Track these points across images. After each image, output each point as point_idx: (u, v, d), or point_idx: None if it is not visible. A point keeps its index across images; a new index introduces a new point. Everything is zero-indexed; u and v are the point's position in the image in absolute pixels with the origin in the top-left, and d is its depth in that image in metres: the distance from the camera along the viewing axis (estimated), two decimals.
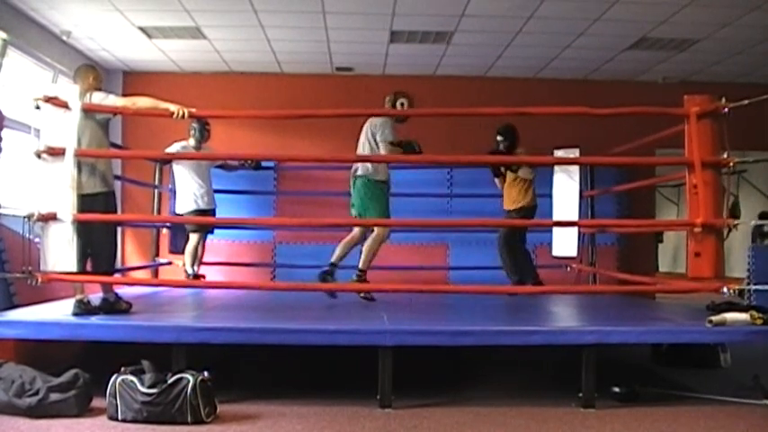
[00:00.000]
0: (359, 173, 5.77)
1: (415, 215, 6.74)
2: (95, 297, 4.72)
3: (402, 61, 8.00)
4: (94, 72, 4.88)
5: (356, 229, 5.80)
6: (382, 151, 5.67)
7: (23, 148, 5.36)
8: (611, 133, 7.10)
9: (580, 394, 4.20)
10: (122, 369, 3.81)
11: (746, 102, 4.54)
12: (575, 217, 7.39)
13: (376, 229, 5.67)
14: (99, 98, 4.67)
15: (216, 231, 7.32)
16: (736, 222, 4.71)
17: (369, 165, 5.73)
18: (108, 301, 4.67)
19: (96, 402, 3.88)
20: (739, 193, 11.38)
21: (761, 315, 4.44)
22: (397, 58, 7.86)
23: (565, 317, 5.53)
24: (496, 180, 6.76)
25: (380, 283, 6.85)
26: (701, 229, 4.58)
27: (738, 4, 6.03)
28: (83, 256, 4.50)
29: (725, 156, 4.62)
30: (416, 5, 6.23)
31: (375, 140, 5.71)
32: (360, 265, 5.66)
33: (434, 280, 8.02)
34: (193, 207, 6.61)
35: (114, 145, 6.50)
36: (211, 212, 6.77)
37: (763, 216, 10.70)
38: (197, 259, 6.77)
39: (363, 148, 5.79)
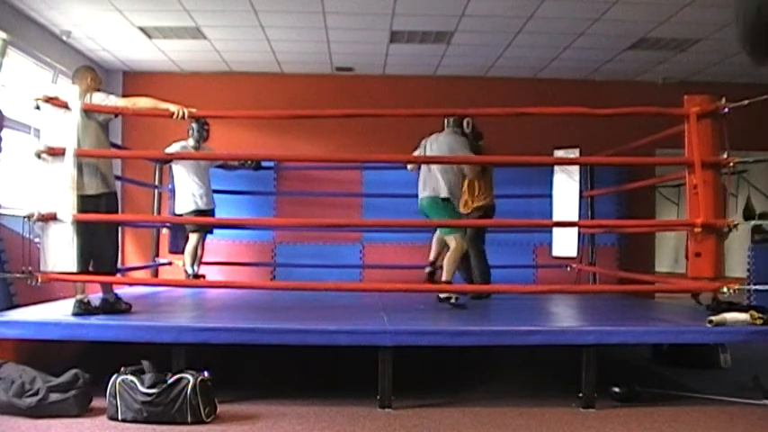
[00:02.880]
0: (442, 195, 5.59)
1: (415, 215, 6.72)
2: (95, 297, 4.72)
3: (402, 61, 8.00)
4: (92, 73, 4.88)
5: (452, 243, 5.65)
6: (470, 174, 5.94)
7: (23, 148, 5.36)
8: (611, 133, 7.10)
9: (580, 394, 4.20)
10: (122, 369, 3.81)
11: (746, 102, 4.54)
12: (575, 217, 7.39)
13: (452, 243, 5.61)
14: (99, 99, 4.67)
15: (216, 231, 7.32)
16: (735, 222, 4.71)
17: (449, 188, 5.60)
18: (108, 302, 4.67)
19: (96, 402, 3.88)
20: (741, 194, 11.37)
21: (761, 315, 4.45)
22: (397, 58, 7.86)
23: (565, 317, 5.53)
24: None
25: (380, 283, 6.87)
26: (700, 229, 4.58)
27: None
28: (84, 256, 4.50)
29: (725, 156, 4.63)
30: (416, 5, 6.23)
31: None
32: (445, 278, 5.62)
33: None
34: (192, 207, 6.61)
35: (114, 145, 6.50)
36: (210, 213, 6.77)
37: (762, 216, 10.67)
38: (197, 259, 6.77)
39: (446, 171, 5.60)
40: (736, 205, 10.88)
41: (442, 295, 5.53)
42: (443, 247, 5.79)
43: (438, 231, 5.87)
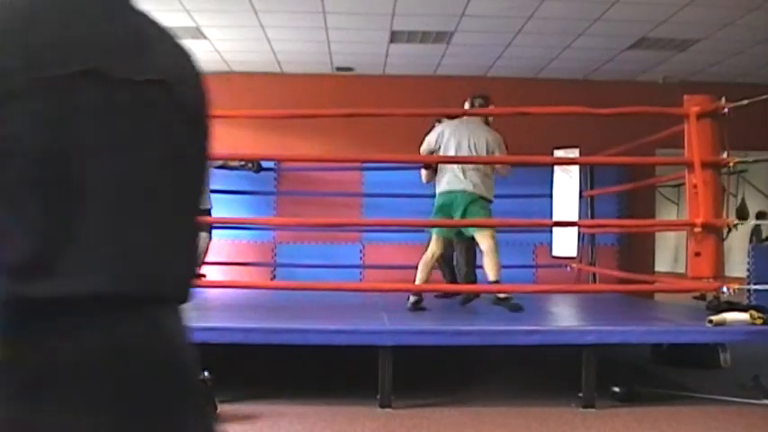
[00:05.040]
0: (478, 192, 5.21)
1: (415, 215, 6.74)
2: None
3: (402, 61, 8.00)
4: None
5: (488, 241, 5.21)
6: (504, 171, 5.46)
7: None
8: (611, 133, 7.10)
9: (580, 394, 4.20)
10: None
11: (746, 102, 4.54)
12: (575, 217, 7.39)
13: (488, 241, 5.18)
14: None
15: (216, 231, 7.31)
16: (735, 222, 4.72)
17: (486, 184, 5.26)
18: None
19: None
20: (738, 194, 11.39)
21: (761, 315, 4.45)
22: (397, 58, 7.86)
23: (565, 317, 5.54)
24: (424, 172, 5.93)
25: (380, 283, 6.87)
26: (700, 229, 4.59)
27: (738, 4, 6.03)
28: None
29: (725, 156, 4.63)
30: (416, 5, 6.23)
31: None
32: (494, 278, 5.20)
33: (434, 279, 8.01)
34: None
35: None
36: (206, 213, 6.74)
37: (760, 215, 10.74)
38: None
39: (479, 167, 5.21)
40: (734, 205, 10.91)
41: (501, 295, 5.18)
42: (431, 270, 5.39)
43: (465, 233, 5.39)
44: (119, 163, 0.92)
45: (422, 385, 4.61)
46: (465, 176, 5.22)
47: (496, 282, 5.18)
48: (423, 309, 5.24)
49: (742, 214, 10.32)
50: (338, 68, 8.35)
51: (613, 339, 4.35)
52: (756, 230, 11.03)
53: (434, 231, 5.42)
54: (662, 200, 13.68)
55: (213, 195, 6.96)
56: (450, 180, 5.28)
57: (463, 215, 5.21)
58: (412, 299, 5.27)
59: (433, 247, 5.36)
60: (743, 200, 11.07)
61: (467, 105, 5.55)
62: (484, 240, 5.22)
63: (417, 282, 5.34)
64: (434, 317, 5.22)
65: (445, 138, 5.34)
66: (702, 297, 9.13)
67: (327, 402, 4.20)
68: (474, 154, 5.25)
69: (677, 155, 5.07)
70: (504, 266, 6.75)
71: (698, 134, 4.66)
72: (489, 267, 5.17)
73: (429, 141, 5.43)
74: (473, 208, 5.22)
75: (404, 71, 8.40)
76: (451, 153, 5.27)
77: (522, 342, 4.35)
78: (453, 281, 6.12)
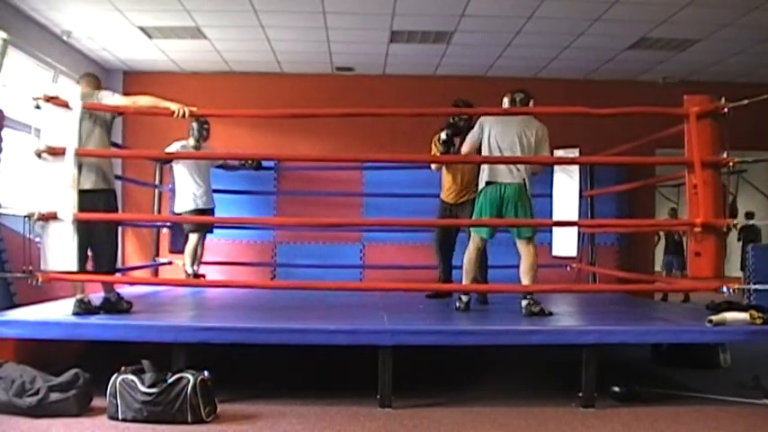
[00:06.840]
0: (521, 180, 5.06)
1: (416, 215, 6.74)
2: (96, 297, 4.72)
3: (402, 61, 8.01)
4: (97, 81, 4.91)
5: (531, 248, 5.08)
6: (539, 170, 5.32)
7: (23, 148, 5.36)
8: (611, 133, 7.10)
9: (580, 394, 4.21)
10: (122, 369, 3.82)
11: (746, 102, 4.54)
12: (575, 217, 7.38)
13: (531, 248, 5.07)
14: (105, 96, 4.69)
15: (216, 231, 7.32)
16: (735, 222, 4.71)
17: (526, 171, 5.07)
18: (110, 301, 4.67)
19: (96, 402, 3.88)
20: (738, 194, 11.39)
21: (761, 315, 4.45)
22: (397, 58, 7.86)
23: (565, 317, 5.53)
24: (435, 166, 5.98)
25: (380, 283, 6.87)
26: (700, 229, 4.58)
27: (738, 4, 6.04)
28: (83, 255, 4.50)
29: (725, 156, 4.62)
30: (416, 5, 6.23)
31: (537, 149, 5.13)
32: (527, 283, 5.06)
33: (435, 279, 8.01)
34: (192, 206, 6.61)
35: (115, 145, 6.50)
36: (210, 212, 6.77)
37: (748, 216, 10.80)
38: (197, 259, 6.77)
39: (525, 153, 5.07)
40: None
41: (534, 309, 4.89)
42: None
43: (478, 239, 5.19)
44: None
45: (422, 385, 4.61)
46: (516, 168, 5.05)
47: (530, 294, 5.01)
48: (468, 309, 5.20)
49: (732, 214, 10.39)
50: (338, 68, 8.35)
51: (613, 339, 4.34)
52: (749, 231, 11.09)
53: (474, 231, 5.22)
54: (662, 200, 13.68)
55: (214, 195, 6.97)
56: (495, 172, 5.08)
57: (513, 214, 5.02)
58: (464, 299, 5.21)
59: (477, 244, 5.23)
60: (734, 199, 11.10)
61: (506, 102, 5.35)
62: (530, 245, 5.08)
63: (465, 282, 5.25)
64: (434, 317, 5.22)
65: (486, 133, 5.15)
66: (686, 299, 9.23)
67: (327, 402, 4.20)
68: (523, 144, 5.08)
69: (677, 155, 5.07)
70: (505, 266, 6.77)
71: (698, 134, 4.66)
72: (529, 275, 5.05)
73: (472, 135, 5.25)
74: (520, 205, 5.04)
75: (404, 71, 8.40)
76: (495, 146, 5.09)
77: (522, 342, 4.34)
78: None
